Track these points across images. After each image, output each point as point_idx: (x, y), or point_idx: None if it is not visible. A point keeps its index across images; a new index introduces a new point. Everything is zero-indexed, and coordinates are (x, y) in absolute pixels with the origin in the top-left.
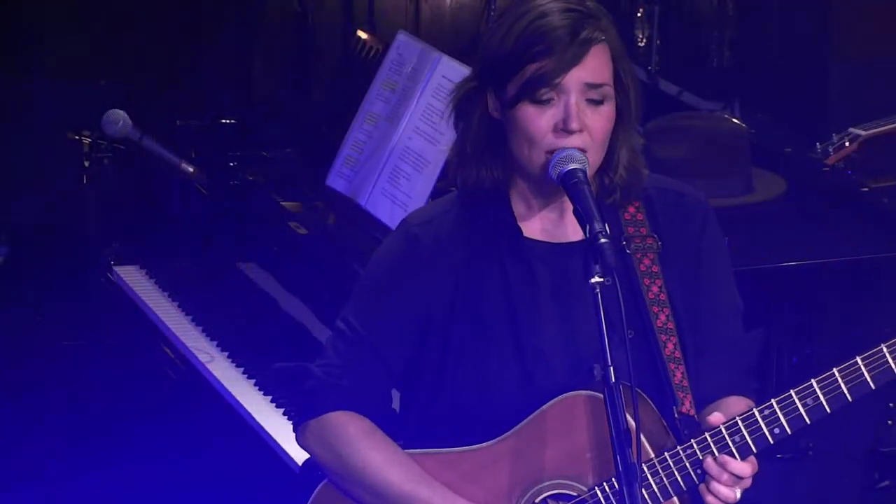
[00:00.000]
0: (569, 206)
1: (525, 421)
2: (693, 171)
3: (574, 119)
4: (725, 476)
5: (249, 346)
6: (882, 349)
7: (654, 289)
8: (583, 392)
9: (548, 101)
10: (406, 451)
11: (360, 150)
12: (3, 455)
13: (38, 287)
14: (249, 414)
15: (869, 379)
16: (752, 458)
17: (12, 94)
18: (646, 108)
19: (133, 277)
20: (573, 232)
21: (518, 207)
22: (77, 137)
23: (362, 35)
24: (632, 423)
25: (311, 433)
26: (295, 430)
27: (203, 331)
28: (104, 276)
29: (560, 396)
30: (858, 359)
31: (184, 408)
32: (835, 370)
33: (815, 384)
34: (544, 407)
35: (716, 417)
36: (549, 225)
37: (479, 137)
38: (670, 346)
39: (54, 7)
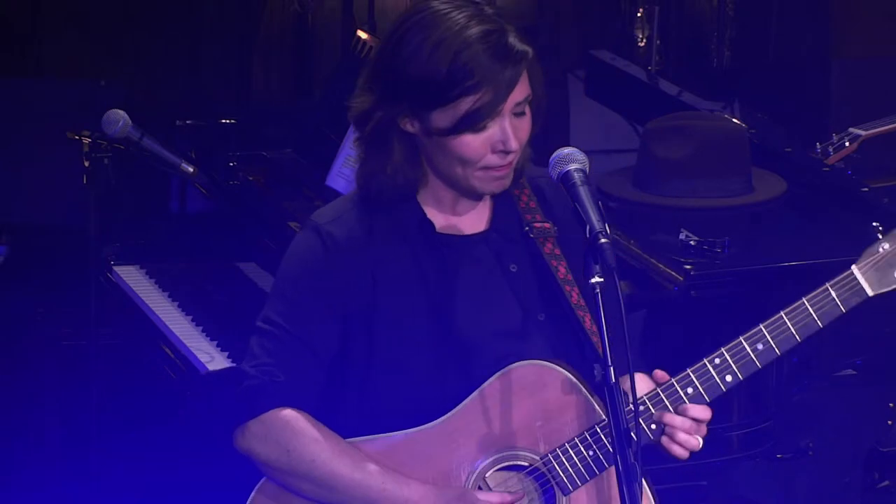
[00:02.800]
0: (479, 198)
1: (469, 398)
2: (693, 171)
3: (512, 140)
4: (689, 423)
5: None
6: (826, 287)
7: (562, 269)
8: (525, 363)
9: (485, 128)
10: (348, 440)
11: None
12: (3, 455)
13: (38, 287)
14: None
15: (816, 318)
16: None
17: (12, 94)
18: (646, 108)
19: (133, 277)
20: (479, 222)
21: (427, 204)
22: (77, 137)
23: (362, 35)
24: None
25: (252, 433)
26: (232, 432)
27: (203, 331)
28: (104, 276)
29: (503, 370)
30: (804, 299)
31: (183, 408)
32: (782, 313)
33: (763, 329)
34: (488, 382)
35: (662, 374)
36: (455, 218)
37: (398, 155)
38: (587, 321)
39: (54, 7)
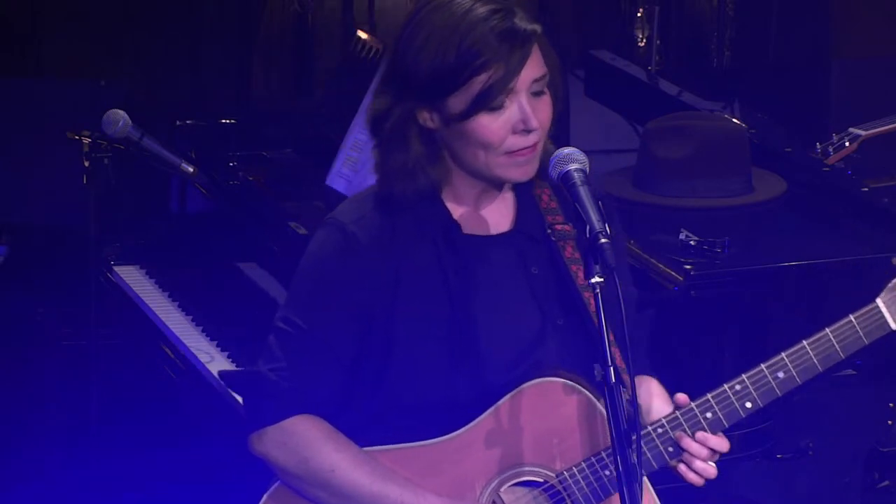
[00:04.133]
0: (502, 198)
1: (486, 412)
2: (693, 171)
3: (532, 118)
4: (705, 452)
5: (249, 347)
6: (850, 319)
7: (580, 275)
8: (544, 380)
9: (501, 106)
10: (364, 449)
11: (360, 150)
12: (3, 455)
13: (38, 287)
14: None
15: (838, 349)
16: (722, 434)
17: (12, 94)
18: (646, 108)
19: (133, 277)
20: (503, 222)
21: (450, 203)
22: (77, 137)
23: (362, 35)
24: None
25: (269, 439)
26: (249, 436)
27: (203, 331)
28: (104, 276)
29: (521, 386)
30: (828, 330)
31: (184, 407)
32: (804, 342)
33: (785, 357)
34: (507, 396)
35: (682, 397)
36: (479, 217)
37: (419, 153)
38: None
39: (54, 7)
